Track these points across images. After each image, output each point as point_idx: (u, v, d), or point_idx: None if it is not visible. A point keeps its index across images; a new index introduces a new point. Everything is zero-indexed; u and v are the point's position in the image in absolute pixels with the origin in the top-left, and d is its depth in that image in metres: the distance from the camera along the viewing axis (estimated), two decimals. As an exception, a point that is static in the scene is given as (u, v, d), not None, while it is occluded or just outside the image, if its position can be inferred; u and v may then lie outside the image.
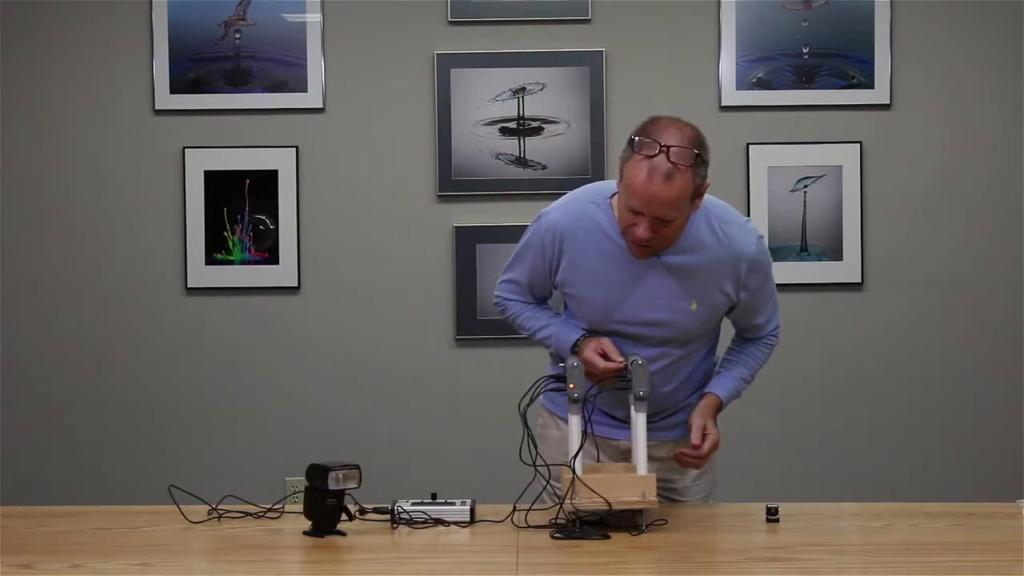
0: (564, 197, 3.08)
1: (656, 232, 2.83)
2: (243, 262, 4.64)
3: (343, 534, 2.80)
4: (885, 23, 4.58)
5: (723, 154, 4.42)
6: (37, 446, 4.66)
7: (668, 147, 2.76)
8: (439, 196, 4.63)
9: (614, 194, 2.97)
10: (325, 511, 2.80)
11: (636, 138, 2.80)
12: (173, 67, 4.61)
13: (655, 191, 2.77)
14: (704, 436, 2.98)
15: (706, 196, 2.92)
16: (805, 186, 4.61)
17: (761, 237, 3.02)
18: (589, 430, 2.85)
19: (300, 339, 4.66)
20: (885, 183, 4.63)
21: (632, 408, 2.85)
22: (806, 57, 4.60)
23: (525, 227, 3.10)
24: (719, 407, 3.05)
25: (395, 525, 2.85)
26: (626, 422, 2.97)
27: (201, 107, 4.62)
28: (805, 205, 4.61)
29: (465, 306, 4.63)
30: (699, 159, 2.79)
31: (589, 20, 4.60)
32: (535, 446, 2.89)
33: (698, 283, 2.95)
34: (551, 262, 3.02)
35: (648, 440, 2.85)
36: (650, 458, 2.86)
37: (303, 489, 2.84)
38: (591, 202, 3.00)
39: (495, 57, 4.60)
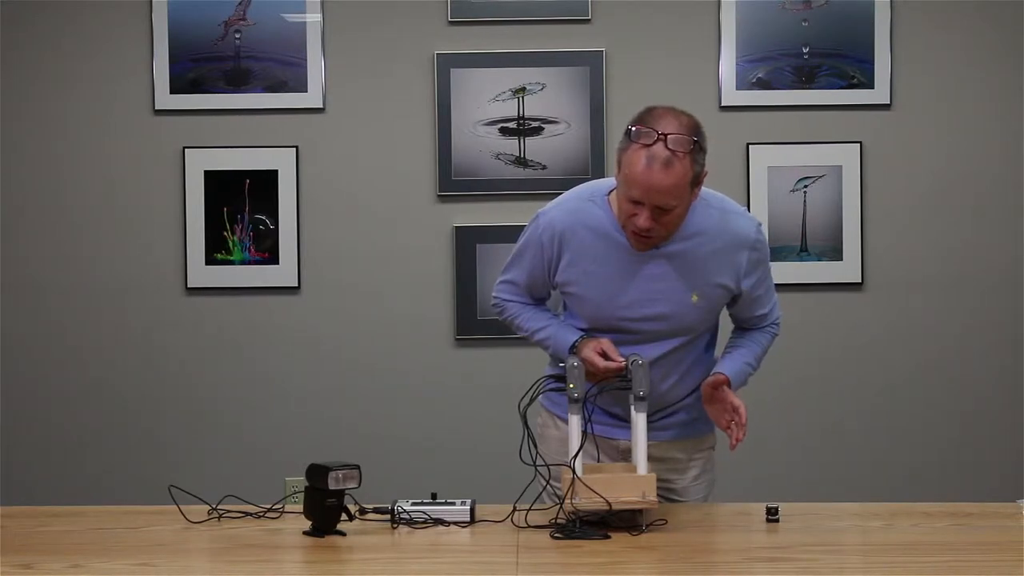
0: (561, 196, 3.08)
1: (657, 221, 2.83)
2: (243, 262, 4.64)
3: (343, 534, 2.80)
4: (885, 23, 4.58)
5: (723, 154, 4.43)
6: (37, 446, 4.66)
7: (666, 135, 2.76)
8: (439, 196, 4.63)
9: (611, 191, 2.98)
10: (325, 511, 2.80)
11: (633, 128, 2.80)
12: (173, 67, 4.61)
13: (654, 179, 2.77)
14: (734, 408, 2.95)
15: (705, 188, 2.92)
16: (805, 186, 4.61)
17: (760, 224, 3.02)
18: (589, 430, 2.86)
19: (300, 339, 4.66)
20: (885, 183, 4.63)
21: (632, 408, 2.85)
22: (806, 57, 4.60)
23: (525, 227, 3.10)
24: (728, 384, 3.00)
25: (395, 525, 2.85)
26: (625, 420, 2.97)
27: (201, 107, 4.62)
28: (805, 205, 4.61)
29: (465, 306, 4.63)
30: (697, 146, 2.80)
31: (589, 20, 4.60)
32: (535, 446, 2.90)
33: (698, 274, 2.95)
34: (550, 261, 3.02)
35: (648, 440, 2.85)
36: (650, 458, 2.86)
37: (303, 489, 2.84)
38: (589, 199, 3.01)
39: (495, 57, 4.60)
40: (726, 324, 3.15)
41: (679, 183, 2.79)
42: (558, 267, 3.02)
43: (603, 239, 2.96)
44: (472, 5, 4.60)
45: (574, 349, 2.99)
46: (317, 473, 2.81)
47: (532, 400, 2.92)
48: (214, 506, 2.97)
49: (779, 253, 4.54)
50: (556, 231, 3.00)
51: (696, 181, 2.84)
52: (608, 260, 2.96)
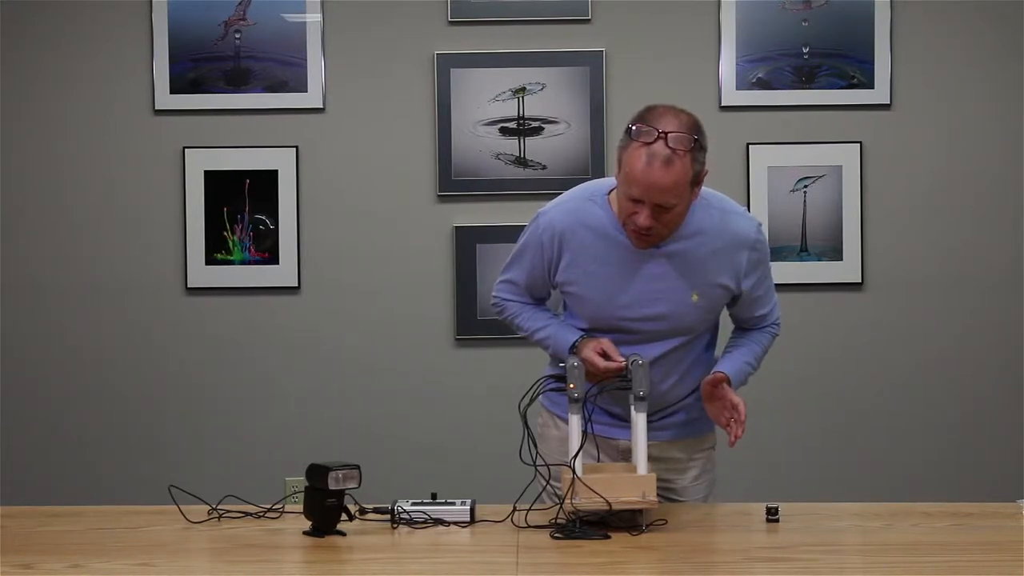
0: (561, 196, 3.08)
1: (657, 220, 2.84)
2: (243, 262, 4.64)
3: (343, 534, 2.80)
4: (885, 23, 4.58)
5: (723, 154, 4.43)
6: (37, 446, 4.66)
7: (666, 133, 2.77)
8: (439, 196, 4.63)
9: (611, 190, 2.98)
10: (325, 511, 2.80)
11: (633, 126, 2.81)
12: (173, 67, 4.61)
13: (654, 177, 2.77)
14: (733, 405, 2.95)
15: (706, 188, 2.93)
16: (805, 186, 4.61)
17: (760, 225, 3.03)
18: (589, 430, 2.85)
19: (300, 339, 4.66)
20: (885, 183, 4.63)
21: (632, 408, 2.85)
22: (806, 57, 4.60)
23: (525, 227, 3.10)
24: (728, 382, 3.00)
25: (395, 525, 2.85)
26: (625, 419, 2.97)
27: (201, 107, 4.62)
28: (805, 205, 4.61)
29: (465, 306, 4.63)
30: (697, 144, 2.80)
31: (589, 20, 4.60)
32: (535, 446, 2.90)
33: (699, 273, 2.95)
34: (551, 261, 3.02)
35: (648, 439, 2.85)
36: (650, 458, 2.86)
37: (303, 489, 2.84)
38: (589, 199, 3.01)
39: (495, 57, 4.60)
40: (726, 324, 3.15)
41: (679, 181, 2.79)
42: (558, 267, 3.02)
43: (603, 239, 2.96)
44: (472, 5, 4.60)
45: (574, 349, 2.99)
46: (317, 473, 2.81)
47: (532, 400, 2.92)
48: (214, 506, 2.97)
49: (779, 253, 4.53)
50: (556, 231, 3.00)
51: (696, 180, 2.85)
52: (608, 260, 2.96)
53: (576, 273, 3.00)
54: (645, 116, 2.82)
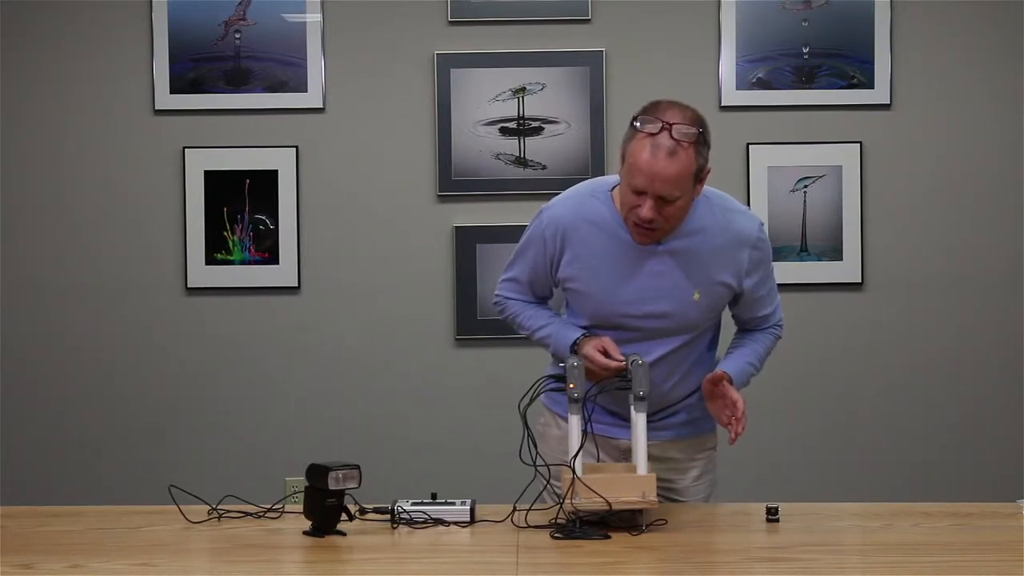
0: (564, 192, 3.09)
1: (659, 213, 2.84)
2: (243, 262, 4.64)
3: (343, 534, 2.80)
4: (885, 23, 4.58)
5: (723, 154, 4.41)
6: (37, 446, 4.66)
7: (671, 124, 2.78)
8: (439, 196, 4.63)
9: (615, 186, 2.98)
10: (325, 511, 2.80)
11: (638, 118, 2.82)
12: (173, 67, 4.61)
13: (658, 167, 2.78)
14: (733, 402, 2.94)
15: (708, 187, 2.93)
16: (805, 186, 4.61)
17: (762, 224, 3.03)
18: (589, 429, 2.85)
19: (300, 339, 4.66)
20: (885, 183, 4.63)
21: (632, 408, 2.85)
22: (806, 57, 4.60)
23: (525, 227, 3.10)
24: (729, 381, 3.00)
25: (395, 525, 2.85)
26: (626, 419, 2.97)
27: (201, 107, 4.62)
28: (805, 205, 4.62)
29: (465, 306, 4.63)
30: (701, 138, 2.81)
31: (589, 20, 4.61)
32: (535, 446, 2.89)
33: (700, 271, 2.95)
34: (553, 257, 3.03)
35: (648, 439, 2.85)
36: (651, 458, 2.86)
37: (303, 489, 2.84)
38: (592, 195, 3.01)
39: (495, 57, 4.60)
40: (728, 324, 3.15)
41: (683, 173, 2.80)
42: (560, 263, 3.02)
43: (606, 234, 2.97)
44: (472, 5, 4.60)
45: (575, 347, 2.99)
46: (317, 473, 2.81)
47: (532, 400, 2.92)
48: (214, 506, 2.97)
49: (779, 253, 4.53)
50: (559, 227, 3.00)
51: (699, 175, 2.85)
52: (610, 255, 2.96)
53: (578, 269, 3.00)
54: (650, 109, 2.84)
